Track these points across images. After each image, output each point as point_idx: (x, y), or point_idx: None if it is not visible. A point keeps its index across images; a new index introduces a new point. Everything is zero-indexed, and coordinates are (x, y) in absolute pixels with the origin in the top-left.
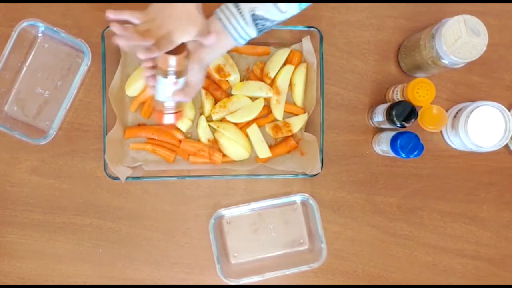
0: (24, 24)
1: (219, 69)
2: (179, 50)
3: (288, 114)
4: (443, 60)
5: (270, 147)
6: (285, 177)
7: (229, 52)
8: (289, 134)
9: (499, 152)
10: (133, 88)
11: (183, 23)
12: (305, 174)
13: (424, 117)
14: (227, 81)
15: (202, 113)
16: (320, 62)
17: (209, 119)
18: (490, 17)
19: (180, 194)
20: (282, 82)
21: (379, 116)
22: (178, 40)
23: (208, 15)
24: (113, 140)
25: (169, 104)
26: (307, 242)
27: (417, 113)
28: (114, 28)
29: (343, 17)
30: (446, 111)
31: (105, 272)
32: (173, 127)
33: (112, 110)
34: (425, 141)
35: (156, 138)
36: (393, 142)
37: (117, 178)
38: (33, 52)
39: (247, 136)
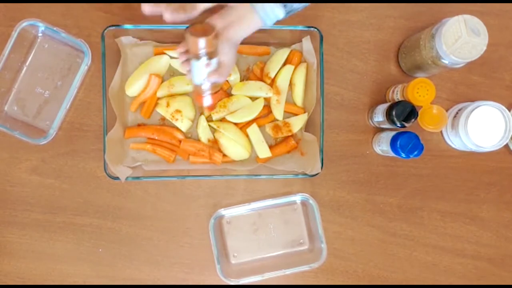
0: (24, 24)
1: None
2: (207, 31)
3: (288, 114)
4: (443, 60)
5: (270, 147)
6: (285, 177)
7: None
8: (289, 134)
9: (499, 152)
10: (133, 88)
11: None
12: (305, 174)
13: (424, 117)
14: (227, 81)
15: (202, 113)
16: (320, 62)
17: (209, 119)
18: (490, 17)
19: (180, 194)
20: (282, 82)
21: (379, 116)
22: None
23: None
24: (113, 140)
25: (206, 86)
26: (307, 242)
27: (417, 113)
28: (146, 9)
29: (343, 17)
30: (446, 111)
31: (105, 272)
32: (211, 109)
33: (112, 110)
34: (425, 141)
35: (156, 138)
36: (393, 142)
37: (117, 178)
38: (33, 52)
39: (247, 136)
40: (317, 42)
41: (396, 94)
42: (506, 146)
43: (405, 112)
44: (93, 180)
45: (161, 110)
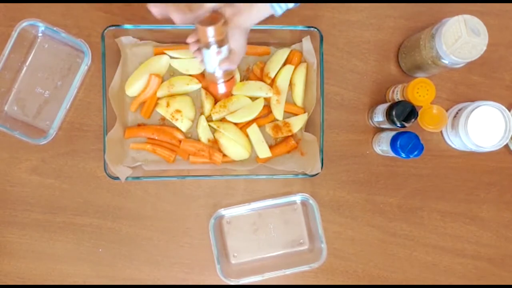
0: (24, 24)
1: None
2: (216, 20)
3: (288, 114)
4: (443, 60)
5: (270, 147)
6: (285, 177)
7: None
8: (289, 134)
9: (499, 152)
10: (133, 88)
11: None
12: (305, 174)
13: (424, 117)
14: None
15: (202, 113)
16: (320, 62)
17: (209, 119)
18: (490, 17)
19: (180, 194)
20: (282, 82)
21: (379, 116)
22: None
23: None
24: (113, 140)
25: (219, 74)
26: (307, 242)
27: (417, 113)
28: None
29: (343, 17)
30: (446, 111)
31: (105, 272)
32: (226, 96)
33: (112, 110)
34: (425, 141)
35: (156, 138)
36: (393, 142)
37: (117, 178)
38: (33, 52)
39: (247, 136)
40: (317, 42)
41: (396, 94)
42: (506, 146)
43: (405, 112)
44: (93, 180)
45: (161, 110)
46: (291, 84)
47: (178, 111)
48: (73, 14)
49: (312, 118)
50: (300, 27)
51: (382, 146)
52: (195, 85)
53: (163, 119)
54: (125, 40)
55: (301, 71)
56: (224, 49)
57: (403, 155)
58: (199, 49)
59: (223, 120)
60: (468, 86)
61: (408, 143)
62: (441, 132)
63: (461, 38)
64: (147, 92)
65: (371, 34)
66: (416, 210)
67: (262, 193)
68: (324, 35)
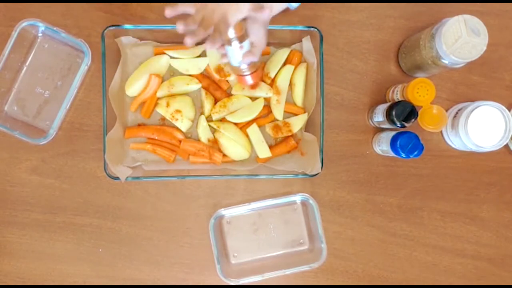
0: (24, 24)
1: (219, 69)
2: None
3: (288, 114)
4: (443, 60)
5: (270, 147)
6: (285, 177)
7: None
8: (289, 134)
9: (499, 152)
10: (133, 88)
11: (233, 3)
12: (305, 174)
13: (424, 117)
14: (227, 81)
15: (202, 113)
16: (320, 62)
17: (209, 119)
18: (490, 17)
19: (180, 194)
20: (282, 82)
21: (379, 116)
22: (233, 19)
23: None
24: (113, 140)
25: (244, 67)
26: (307, 242)
27: (417, 113)
28: (180, 28)
29: (343, 17)
30: (446, 111)
31: (105, 272)
32: (254, 87)
33: (112, 110)
34: (425, 141)
35: (156, 138)
36: (393, 142)
37: (117, 178)
38: (33, 52)
39: (247, 136)
40: (317, 42)
41: (396, 94)
42: (506, 146)
43: (405, 112)
44: (93, 180)
45: (161, 110)
46: (291, 84)
47: (178, 111)
48: (73, 14)
49: (312, 118)
50: (300, 27)
51: (382, 146)
52: (195, 85)
53: (163, 119)
54: (125, 40)
55: (301, 71)
56: (246, 43)
57: (403, 155)
58: (222, 45)
59: (223, 120)
60: (468, 86)
61: (408, 143)
62: (441, 132)
63: (461, 38)
64: (147, 92)
65: (371, 34)
66: (416, 210)
67: (262, 193)
68: (324, 35)
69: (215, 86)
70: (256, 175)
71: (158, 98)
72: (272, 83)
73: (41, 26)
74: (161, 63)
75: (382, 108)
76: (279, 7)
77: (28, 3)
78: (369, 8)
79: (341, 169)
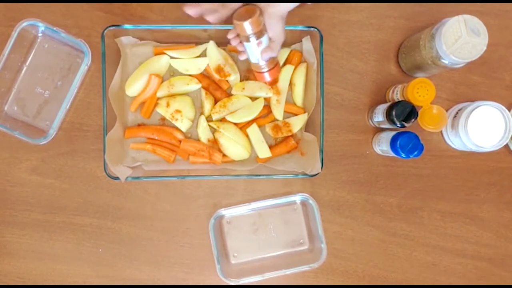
0: (24, 24)
1: (219, 69)
2: (251, 12)
3: (288, 114)
4: (443, 60)
5: (270, 147)
6: (285, 177)
7: (228, 52)
8: (289, 134)
9: (499, 152)
10: (133, 88)
11: None
12: (305, 174)
13: (424, 117)
14: (227, 81)
15: (202, 113)
16: (320, 62)
17: (209, 119)
18: (490, 17)
19: (180, 194)
20: (282, 82)
21: (379, 116)
22: None
23: None
24: (113, 140)
25: (263, 63)
26: (307, 242)
27: (417, 113)
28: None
29: (343, 17)
30: (446, 111)
31: (105, 272)
32: (273, 83)
33: (112, 110)
34: (425, 141)
35: (156, 138)
36: (393, 142)
37: (117, 178)
38: (33, 52)
39: (247, 136)
40: (317, 42)
41: (396, 94)
42: (506, 146)
43: (405, 112)
44: (93, 180)
45: (161, 110)
46: (291, 84)
47: (178, 111)
48: (73, 14)
49: (312, 118)
50: (300, 27)
51: (382, 146)
52: (195, 85)
53: (163, 119)
54: (125, 40)
55: (301, 71)
56: (264, 39)
57: (403, 155)
58: (240, 42)
59: (223, 120)
60: (468, 86)
61: (408, 143)
62: (441, 132)
63: (461, 38)
64: (147, 92)
65: (371, 34)
66: (416, 210)
67: (262, 193)
68: (324, 35)
69: (215, 86)
70: (256, 175)
71: (158, 98)
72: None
73: (41, 26)
74: (161, 63)
75: (382, 108)
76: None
77: (28, 3)
78: (369, 8)
79: (341, 169)
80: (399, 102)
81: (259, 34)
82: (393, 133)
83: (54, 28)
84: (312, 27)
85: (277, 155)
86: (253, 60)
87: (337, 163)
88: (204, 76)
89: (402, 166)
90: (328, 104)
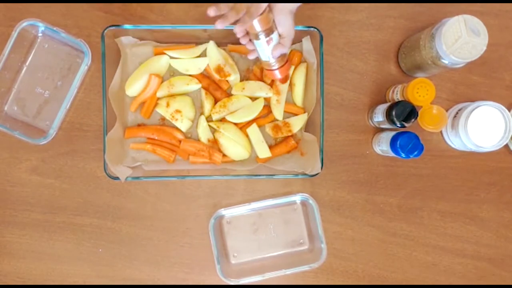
0: (24, 24)
1: (219, 69)
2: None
3: (288, 114)
4: (443, 60)
5: (270, 147)
6: (285, 177)
7: (228, 52)
8: (289, 134)
9: (499, 152)
10: (133, 88)
11: None
12: (305, 174)
13: (424, 117)
14: (227, 81)
15: (202, 113)
16: (320, 62)
17: (209, 119)
18: (490, 17)
19: (180, 194)
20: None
21: (379, 116)
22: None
23: None
24: (113, 140)
25: (272, 61)
26: (307, 242)
27: (417, 113)
28: (212, 12)
29: (343, 17)
30: (446, 111)
31: (105, 272)
32: (284, 80)
33: (112, 110)
34: (425, 141)
35: (156, 138)
36: (393, 142)
37: (117, 178)
38: (33, 52)
39: (247, 136)
40: (317, 42)
41: (396, 94)
42: (506, 146)
43: (405, 112)
44: (93, 180)
45: (161, 110)
46: (291, 84)
47: (178, 111)
48: (73, 14)
49: (312, 118)
50: (300, 27)
51: (382, 146)
52: (195, 85)
53: (163, 119)
54: (125, 40)
55: (301, 71)
56: (274, 35)
57: (403, 155)
58: (250, 41)
59: (223, 120)
60: (468, 86)
61: (408, 143)
62: (441, 132)
63: (461, 38)
64: (147, 92)
65: (371, 34)
66: (416, 210)
67: (262, 193)
68: (324, 35)
69: (215, 86)
70: (256, 175)
71: (158, 98)
72: (272, 83)
73: (41, 26)
74: (161, 63)
75: (382, 108)
76: None
77: (28, 3)
78: (369, 8)
79: (341, 169)
80: (399, 102)
81: (268, 32)
82: (393, 133)
83: (54, 28)
84: (312, 27)
85: (277, 155)
86: (263, 58)
87: (337, 163)
88: (204, 76)
89: (402, 166)
90: (328, 104)
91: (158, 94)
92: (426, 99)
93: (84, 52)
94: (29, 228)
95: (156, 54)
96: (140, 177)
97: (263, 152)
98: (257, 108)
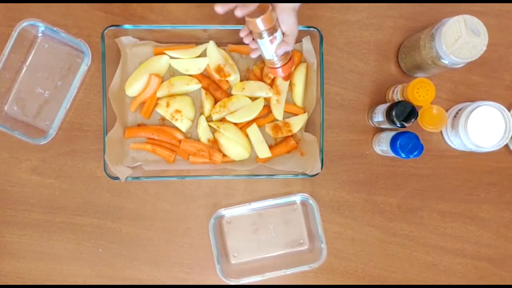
0: (24, 24)
1: (219, 69)
2: (263, 9)
3: (288, 114)
4: (443, 60)
5: (270, 147)
6: (285, 177)
7: (228, 52)
8: (289, 134)
9: (499, 152)
10: (133, 88)
11: None
12: (305, 174)
13: (424, 117)
14: (227, 81)
15: (202, 113)
16: (320, 62)
17: (209, 119)
18: (490, 17)
19: (180, 194)
20: (282, 82)
21: (379, 116)
22: None
23: None
24: (113, 140)
25: (276, 59)
26: (307, 242)
27: (417, 113)
28: (219, 9)
29: (343, 17)
30: (446, 111)
31: (105, 272)
32: (287, 78)
33: (112, 110)
34: (425, 141)
35: (156, 138)
36: (393, 142)
37: (117, 178)
38: (33, 52)
39: (247, 136)
40: (317, 42)
41: (396, 94)
42: (506, 146)
43: (405, 112)
44: (93, 180)
45: (161, 110)
46: (291, 84)
47: (178, 111)
48: (73, 14)
49: (312, 118)
50: (300, 27)
51: (382, 146)
52: (195, 85)
53: (163, 119)
54: (125, 40)
55: (301, 71)
56: (278, 34)
57: (403, 155)
58: (253, 40)
59: (223, 120)
60: (468, 86)
61: (408, 143)
62: (441, 132)
63: (461, 38)
64: (147, 92)
65: (371, 34)
66: (416, 210)
67: (262, 193)
68: (324, 35)
69: (215, 86)
70: (256, 175)
71: (158, 98)
72: (272, 83)
73: (41, 26)
74: (161, 63)
75: (382, 108)
76: None
77: (28, 3)
78: (369, 8)
79: (341, 169)
80: (399, 102)
81: (272, 30)
82: (393, 133)
83: (54, 28)
84: (312, 27)
85: (277, 155)
86: (267, 56)
87: (337, 163)
88: (204, 76)
89: (402, 166)
90: (328, 104)
91: (158, 94)
92: (426, 99)
93: (84, 52)
94: (29, 228)
95: (156, 54)
96: (140, 177)
97: (263, 152)
98: (257, 108)
